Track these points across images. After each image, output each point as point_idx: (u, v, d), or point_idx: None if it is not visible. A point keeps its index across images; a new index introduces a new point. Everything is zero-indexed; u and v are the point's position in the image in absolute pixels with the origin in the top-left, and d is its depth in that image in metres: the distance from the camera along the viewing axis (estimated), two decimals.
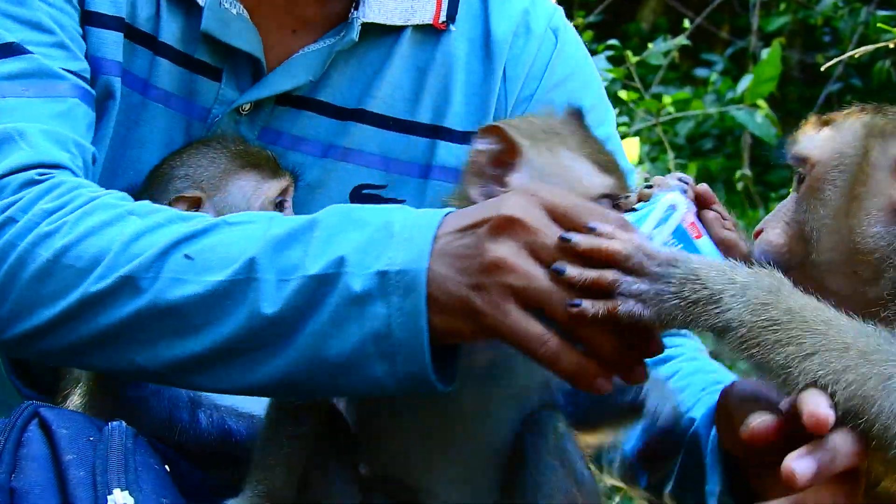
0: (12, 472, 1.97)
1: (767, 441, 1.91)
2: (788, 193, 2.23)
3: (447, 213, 1.93)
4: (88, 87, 2.41)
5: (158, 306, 2.00)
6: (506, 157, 2.19)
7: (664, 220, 1.98)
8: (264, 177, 2.53)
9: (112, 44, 2.48)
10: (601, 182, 2.18)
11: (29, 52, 2.35)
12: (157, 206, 2.16)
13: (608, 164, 2.22)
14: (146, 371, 2.06)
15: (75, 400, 2.41)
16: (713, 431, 2.28)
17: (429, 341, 1.88)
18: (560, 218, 1.88)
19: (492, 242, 1.86)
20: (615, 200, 2.18)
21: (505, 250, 1.85)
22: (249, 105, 2.56)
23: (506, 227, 1.86)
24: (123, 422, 2.09)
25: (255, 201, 2.52)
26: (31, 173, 2.20)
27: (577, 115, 2.27)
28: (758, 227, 2.22)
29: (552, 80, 2.69)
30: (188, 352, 2.01)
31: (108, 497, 1.92)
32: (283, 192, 2.55)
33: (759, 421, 1.91)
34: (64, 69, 2.37)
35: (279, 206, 2.55)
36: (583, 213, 1.88)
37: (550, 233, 1.86)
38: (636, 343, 1.89)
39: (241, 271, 1.95)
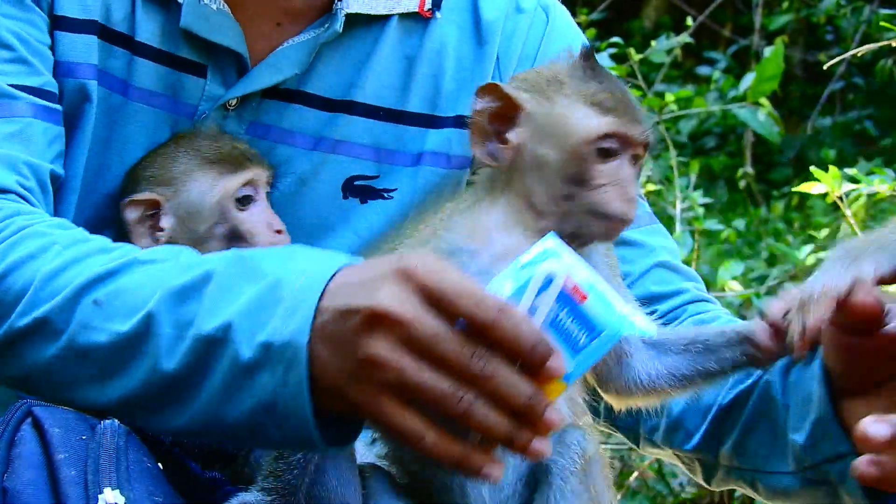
0: (5, 471, 1.95)
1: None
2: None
3: (335, 273, 1.85)
4: (49, 103, 2.39)
5: (73, 350, 2.00)
6: (505, 113, 2.20)
7: (544, 289, 1.85)
8: (223, 172, 2.49)
9: (84, 47, 2.44)
10: (598, 123, 2.17)
11: None
12: (84, 234, 2.14)
13: (609, 101, 2.19)
14: (82, 407, 2.06)
15: None
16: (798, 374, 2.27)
17: (314, 415, 1.84)
18: (437, 303, 1.78)
19: (364, 338, 1.78)
20: (622, 139, 2.17)
21: (377, 347, 1.77)
22: (236, 100, 2.54)
23: (378, 321, 1.77)
24: (116, 420, 2.08)
25: (211, 198, 2.47)
26: None
27: (585, 55, 2.24)
28: None
29: (546, 58, 2.63)
30: (105, 398, 2.01)
31: (99, 496, 1.91)
32: (249, 184, 2.51)
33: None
34: (18, 86, 2.35)
35: (242, 200, 2.51)
36: (460, 297, 1.77)
37: (425, 322, 1.76)
38: (531, 421, 1.79)
39: (140, 324, 1.93)
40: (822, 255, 5.53)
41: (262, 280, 1.88)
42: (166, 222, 2.49)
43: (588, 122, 2.17)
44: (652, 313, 2.47)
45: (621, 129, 2.17)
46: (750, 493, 2.43)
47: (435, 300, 1.77)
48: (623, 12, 9.85)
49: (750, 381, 2.38)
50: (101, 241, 2.11)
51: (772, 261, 7.04)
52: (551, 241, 1.89)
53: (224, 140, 2.52)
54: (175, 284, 1.93)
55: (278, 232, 2.50)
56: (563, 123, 2.18)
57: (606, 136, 2.17)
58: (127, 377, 1.97)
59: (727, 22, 10.73)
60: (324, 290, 1.83)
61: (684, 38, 6.18)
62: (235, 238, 2.46)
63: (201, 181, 2.48)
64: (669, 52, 6.34)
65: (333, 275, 1.84)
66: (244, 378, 1.86)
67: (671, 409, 2.47)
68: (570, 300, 1.84)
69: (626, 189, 2.18)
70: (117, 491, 1.92)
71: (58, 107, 2.42)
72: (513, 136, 2.20)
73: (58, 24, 2.43)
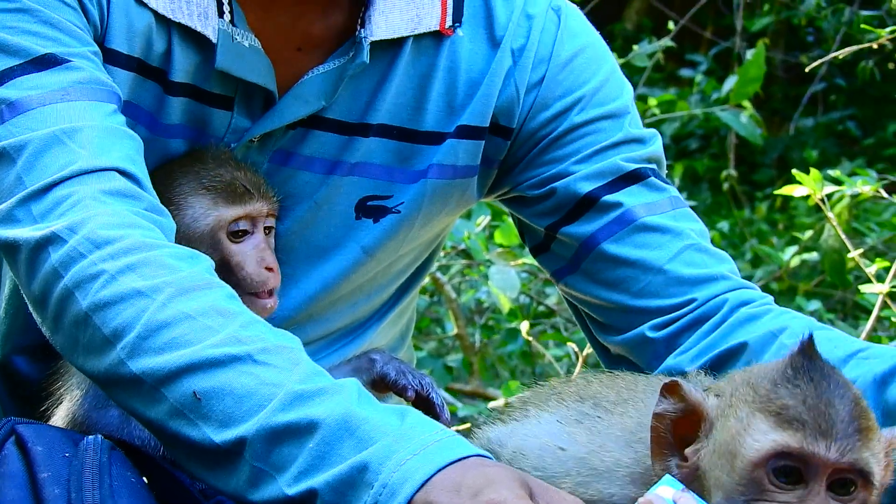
0: None
1: None
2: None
3: (435, 473, 1.83)
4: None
5: (162, 427, 1.99)
6: (688, 420, 1.87)
7: None
8: (218, 202, 2.44)
9: (122, 82, 2.39)
10: (772, 438, 1.76)
11: (70, 60, 2.28)
12: (200, 278, 2.08)
13: (796, 409, 1.77)
14: None
15: (57, 420, 2.39)
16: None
17: None
18: None
19: None
20: (804, 459, 1.76)
21: None
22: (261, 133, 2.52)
23: None
24: (100, 435, 2.07)
25: (204, 226, 2.43)
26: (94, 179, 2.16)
27: (803, 349, 1.86)
28: None
29: (559, 61, 2.60)
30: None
31: None
32: (245, 218, 2.46)
33: None
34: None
35: (236, 233, 2.46)
36: None
37: None
38: None
39: (233, 443, 1.92)
40: (805, 256, 5.54)
41: (363, 449, 1.86)
42: None
43: (760, 436, 1.76)
44: (690, 302, 2.46)
45: (801, 443, 1.74)
46: None
47: None
48: (604, 15, 9.85)
49: None
50: (219, 295, 2.07)
51: (756, 262, 7.05)
52: (665, 489, 1.81)
53: (228, 168, 2.47)
54: (279, 420, 1.90)
55: (269, 269, 2.46)
56: (735, 438, 1.79)
57: (781, 455, 1.76)
58: (203, 472, 1.98)
59: (709, 24, 10.75)
60: (420, 485, 1.81)
61: (666, 42, 6.19)
62: (224, 269, 2.41)
63: (195, 207, 2.44)
64: (651, 56, 6.34)
65: (431, 475, 1.82)
66: None
67: None
68: None
69: None
70: None
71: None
72: (691, 452, 1.86)
73: (108, 57, 2.38)
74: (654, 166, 2.59)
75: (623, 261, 2.52)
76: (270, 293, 2.47)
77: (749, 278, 2.71)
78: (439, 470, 1.82)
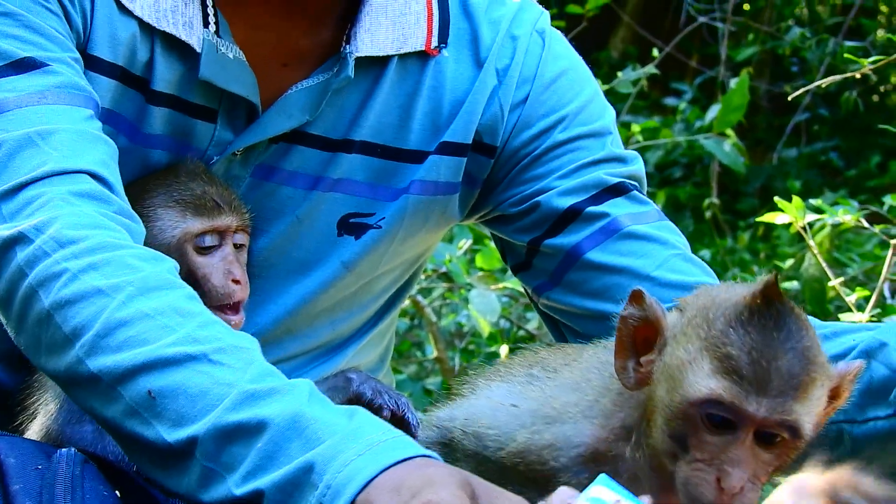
0: None
1: None
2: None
3: (378, 474, 1.82)
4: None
5: (118, 427, 1.98)
6: (646, 334, 1.95)
7: None
8: (186, 214, 2.45)
9: (104, 90, 2.40)
10: (707, 385, 1.82)
11: (49, 64, 2.28)
12: (163, 278, 2.08)
13: (740, 363, 1.81)
14: None
15: (31, 435, 2.38)
16: None
17: None
18: None
19: None
20: (735, 411, 1.82)
21: None
22: (243, 146, 2.51)
23: None
24: (73, 448, 2.06)
25: (171, 238, 2.44)
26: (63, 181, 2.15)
27: (763, 294, 1.87)
28: None
29: (543, 81, 2.62)
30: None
31: None
32: (213, 231, 2.46)
33: None
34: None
35: (203, 245, 2.46)
36: None
37: None
38: None
39: (184, 443, 1.92)
40: (786, 285, 5.56)
41: (310, 449, 1.86)
42: None
43: (700, 379, 1.83)
44: None
45: (734, 397, 1.80)
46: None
47: None
48: (590, 42, 9.89)
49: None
50: (179, 295, 2.06)
51: None
52: (599, 489, 1.79)
53: (200, 182, 2.47)
54: (229, 419, 1.90)
55: (236, 282, 2.46)
56: (679, 372, 1.86)
57: (712, 402, 1.82)
58: (157, 473, 1.97)
59: (693, 53, 10.80)
60: (362, 485, 1.81)
61: (650, 69, 6.20)
62: (191, 281, 2.39)
63: (164, 219, 2.44)
64: (636, 83, 6.35)
65: (374, 476, 1.82)
66: None
67: None
68: None
69: (729, 476, 1.81)
70: None
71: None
72: (646, 361, 1.94)
73: (90, 63, 2.39)
74: (636, 183, 2.61)
75: (609, 268, 2.52)
76: (236, 308, 2.47)
77: None
78: (383, 470, 1.81)
